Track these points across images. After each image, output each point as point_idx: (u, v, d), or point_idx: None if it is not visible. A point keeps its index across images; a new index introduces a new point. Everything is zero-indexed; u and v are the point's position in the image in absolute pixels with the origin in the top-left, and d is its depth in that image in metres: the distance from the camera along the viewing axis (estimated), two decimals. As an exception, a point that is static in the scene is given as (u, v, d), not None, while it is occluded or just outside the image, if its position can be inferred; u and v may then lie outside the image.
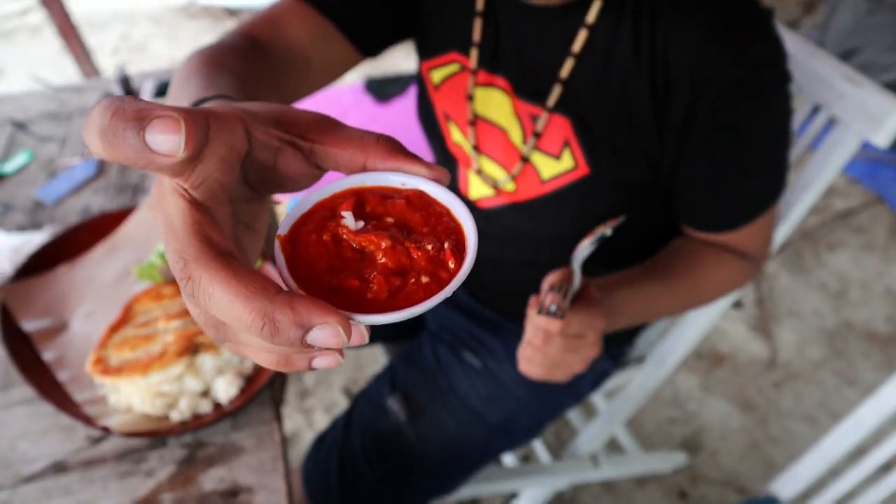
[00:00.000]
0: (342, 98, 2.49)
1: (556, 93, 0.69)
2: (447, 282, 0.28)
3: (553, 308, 0.58)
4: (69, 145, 1.04)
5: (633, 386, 1.12)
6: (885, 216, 2.07)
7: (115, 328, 0.70)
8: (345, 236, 0.29)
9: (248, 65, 0.60)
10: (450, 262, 0.29)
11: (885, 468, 0.86)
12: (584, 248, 0.57)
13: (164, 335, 0.68)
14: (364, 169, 0.31)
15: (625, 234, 0.78)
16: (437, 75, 0.79)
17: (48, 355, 0.71)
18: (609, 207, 0.73)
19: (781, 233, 0.88)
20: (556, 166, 0.72)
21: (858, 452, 0.90)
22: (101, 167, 0.99)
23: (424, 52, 0.80)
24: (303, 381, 1.66)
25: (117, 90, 1.10)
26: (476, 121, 0.77)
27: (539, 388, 0.90)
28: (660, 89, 0.64)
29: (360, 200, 0.31)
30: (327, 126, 0.31)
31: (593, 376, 0.97)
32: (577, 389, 0.95)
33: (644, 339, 1.09)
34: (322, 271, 0.28)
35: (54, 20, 2.00)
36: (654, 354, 1.07)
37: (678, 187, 0.71)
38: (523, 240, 0.82)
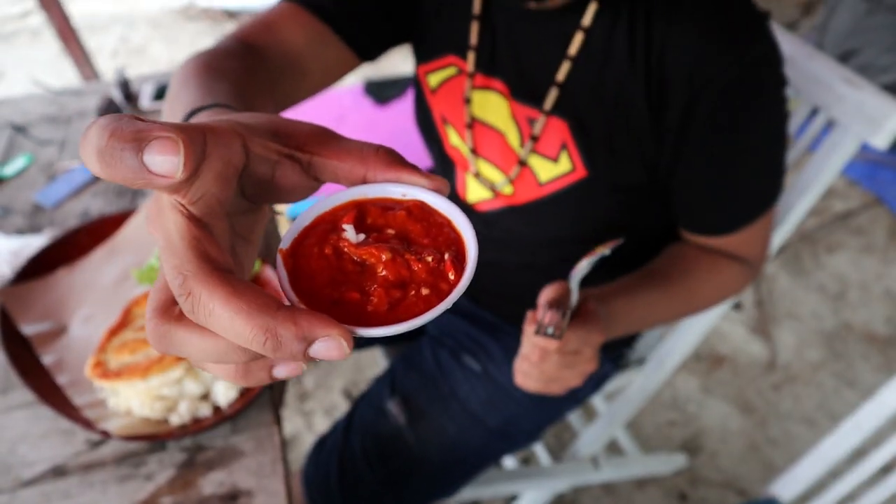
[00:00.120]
0: (341, 100, 2.49)
1: (552, 96, 0.69)
2: (447, 293, 0.28)
3: (550, 331, 0.58)
4: (68, 148, 1.04)
5: (632, 388, 1.12)
6: (884, 218, 2.08)
7: (115, 331, 0.70)
8: (346, 249, 0.29)
9: (245, 70, 0.60)
10: (450, 274, 0.29)
11: (885, 470, 0.86)
12: (583, 267, 0.57)
13: (164, 338, 0.68)
14: (364, 180, 0.31)
15: (623, 235, 0.78)
16: (433, 79, 0.80)
17: (47, 359, 0.71)
18: (607, 210, 0.73)
19: (780, 234, 0.88)
20: (554, 169, 0.72)
21: (858, 454, 0.90)
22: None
23: (421, 56, 0.80)
24: (302, 383, 1.66)
25: (116, 93, 1.10)
26: (473, 124, 0.77)
27: (539, 391, 0.90)
28: (656, 91, 0.64)
29: (360, 213, 0.31)
30: (326, 138, 0.31)
31: (593, 379, 0.97)
32: (577, 393, 0.95)
33: (643, 342, 1.09)
34: (323, 284, 0.28)
35: (53, 23, 2.00)
36: (653, 356, 1.07)
37: (676, 189, 0.71)
38: (522, 243, 0.82)
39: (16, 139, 1.06)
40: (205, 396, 0.68)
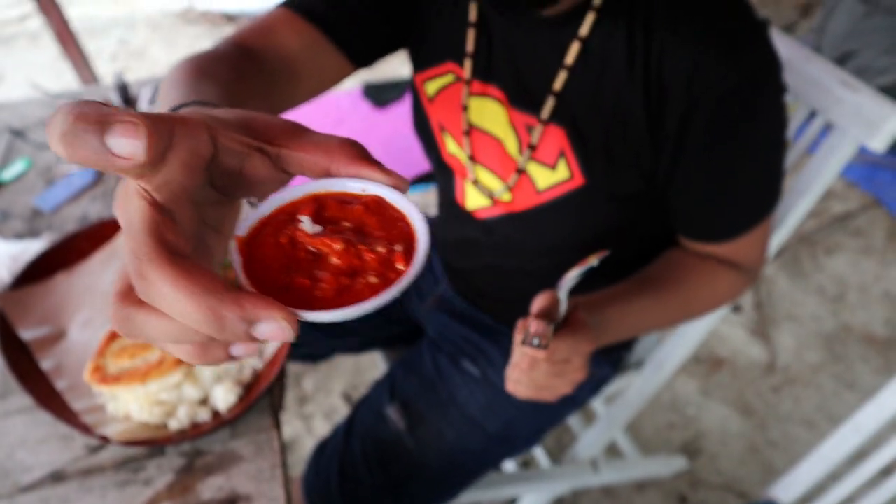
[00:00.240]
0: (340, 104, 2.50)
1: (550, 104, 0.68)
2: (394, 282, 0.29)
3: (536, 341, 0.59)
4: (67, 152, 1.04)
5: (632, 391, 1.12)
6: (882, 219, 2.08)
7: (114, 336, 0.70)
8: (301, 239, 0.30)
9: (238, 73, 0.60)
10: (399, 265, 0.30)
11: (885, 472, 0.85)
12: (571, 278, 0.58)
13: (163, 343, 0.68)
14: (328, 173, 0.32)
15: (622, 242, 0.78)
16: (431, 87, 0.79)
17: (46, 364, 0.71)
18: (605, 217, 0.73)
19: (779, 236, 0.89)
20: (552, 176, 0.72)
21: (858, 456, 0.90)
22: (100, 175, 0.99)
23: (418, 64, 0.80)
24: (302, 387, 1.66)
25: (115, 97, 1.10)
26: (471, 131, 0.77)
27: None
28: (654, 99, 0.64)
29: (319, 205, 0.32)
30: (295, 132, 0.32)
31: (592, 383, 0.97)
32: (576, 397, 0.95)
33: (642, 344, 1.09)
34: (276, 271, 0.30)
35: (52, 26, 2.00)
36: (652, 359, 1.07)
37: (674, 197, 0.71)
38: (521, 249, 0.82)
39: (14, 143, 1.06)
40: (204, 401, 0.68)
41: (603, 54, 0.65)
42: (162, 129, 0.26)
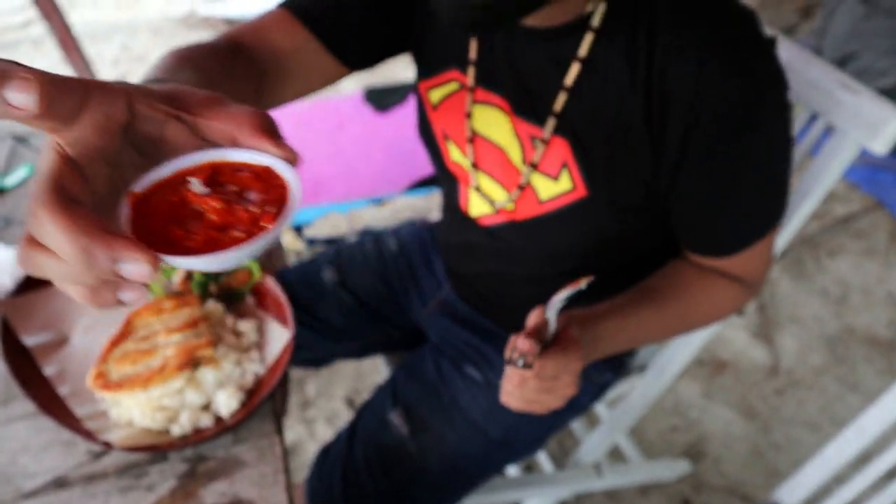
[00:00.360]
0: (341, 108, 2.50)
1: (551, 123, 0.68)
2: (257, 237, 0.32)
3: (520, 363, 0.60)
4: (69, 158, 1.04)
5: (634, 394, 1.12)
6: (885, 221, 2.07)
7: (116, 342, 0.70)
8: (188, 198, 0.34)
9: (222, 66, 0.61)
10: (265, 223, 0.33)
11: (889, 475, 0.85)
12: (559, 300, 0.58)
13: (165, 349, 0.68)
14: (236, 142, 0.35)
15: (624, 252, 0.78)
16: (435, 95, 0.79)
17: (49, 370, 0.71)
18: (608, 227, 0.73)
19: (782, 239, 0.88)
20: (555, 187, 0.72)
21: (862, 459, 0.89)
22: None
23: (422, 72, 0.80)
24: (304, 392, 1.65)
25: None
26: (474, 138, 0.77)
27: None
28: (657, 112, 0.63)
29: (215, 171, 0.35)
30: (213, 102, 0.35)
31: (595, 387, 0.97)
32: (578, 402, 0.95)
33: (645, 349, 1.09)
34: (161, 225, 0.33)
35: (55, 32, 2.01)
36: (655, 363, 1.07)
37: (677, 210, 0.70)
38: (523, 256, 0.82)
39: (17, 149, 1.06)
40: (206, 407, 0.68)
41: (603, 68, 0.64)
42: (69, 88, 0.30)
